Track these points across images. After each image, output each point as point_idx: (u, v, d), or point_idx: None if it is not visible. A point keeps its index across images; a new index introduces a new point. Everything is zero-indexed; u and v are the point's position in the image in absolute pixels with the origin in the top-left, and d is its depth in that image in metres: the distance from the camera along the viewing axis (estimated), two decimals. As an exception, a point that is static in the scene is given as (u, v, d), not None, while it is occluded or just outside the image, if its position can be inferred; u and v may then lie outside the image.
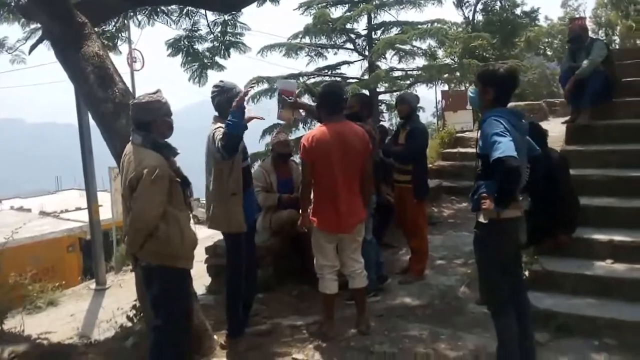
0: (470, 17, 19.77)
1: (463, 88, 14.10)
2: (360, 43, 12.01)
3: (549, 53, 23.75)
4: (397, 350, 3.82)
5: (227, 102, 3.79)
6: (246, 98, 3.64)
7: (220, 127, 3.65)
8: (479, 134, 3.21)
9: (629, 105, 5.68)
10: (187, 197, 3.31)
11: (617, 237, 4.38)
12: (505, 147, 2.91)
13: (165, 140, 3.25)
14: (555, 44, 24.70)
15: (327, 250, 3.98)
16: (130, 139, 3.24)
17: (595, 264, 4.30)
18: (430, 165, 8.18)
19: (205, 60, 6.88)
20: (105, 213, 11.50)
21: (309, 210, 3.99)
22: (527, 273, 4.66)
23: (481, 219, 3.17)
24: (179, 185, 3.22)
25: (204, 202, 4.13)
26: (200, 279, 5.11)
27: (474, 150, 11.02)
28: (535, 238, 4.43)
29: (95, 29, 4.59)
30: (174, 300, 3.22)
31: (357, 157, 3.89)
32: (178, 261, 3.19)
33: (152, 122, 3.16)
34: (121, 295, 7.60)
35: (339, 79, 11.80)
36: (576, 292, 4.12)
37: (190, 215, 3.40)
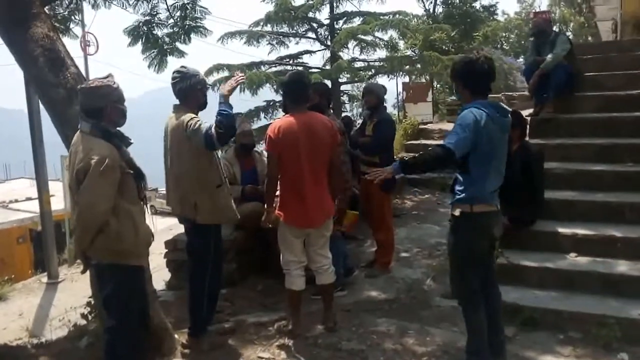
0: (431, 10, 19.93)
1: (423, 80, 14.24)
2: (323, 32, 11.88)
3: (505, 47, 24.26)
4: (365, 346, 3.74)
5: (190, 89, 3.66)
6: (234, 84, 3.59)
7: (193, 117, 3.52)
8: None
9: (590, 100, 5.77)
10: (141, 189, 3.10)
11: (580, 231, 4.42)
12: (457, 141, 2.95)
13: (117, 129, 3.02)
14: (512, 38, 25.28)
15: (294, 246, 3.86)
16: (79, 127, 3.01)
17: (559, 257, 4.34)
18: (394, 157, 8.16)
19: (165, 47, 6.60)
20: (58, 203, 11.03)
21: (274, 205, 3.85)
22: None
23: (455, 212, 3.14)
24: (131, 177, 3.00)
25: (163, 191, 3.96)
26: (158, 272, 4.91)
27: (437, 142, 11.23)
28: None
29: (46, 9, 4.29)
30: (127, 300, 3.02)
31: (325, 149, 3.77)
32: (131, 259, 2.98)
33: (102, 108, 2.93)
34: (75, 290, 7.28)
35: (300, 68, 11.65)
36: (541, 286, 4.14)
37: (145, 208, 3.21)
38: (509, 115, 3.23)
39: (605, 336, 3.58)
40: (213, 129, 3.39)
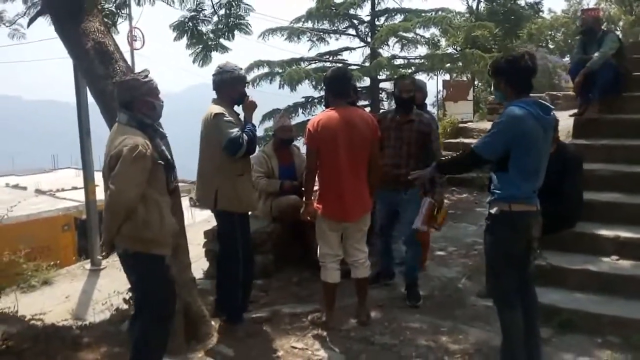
0: (474, 7, 19.62)
1: (465, 78, 14.04)
2: (363, 29, 11.85)
3: (551, 46, 23.68)
4: (397, 341, 3.76)
5: (223, 83, 3.85)
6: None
7: (224, 114, 3.70)
8: None
9: (637, 101, 5.59)
10: (171, 181, 3.16)
11: (623, 234, 4.32)
12: (484, 144, 3.07)
13: (153, 122, 3.10)
14: (558, 37, 24.64)
15: (331, 239, 3.90)
16: (117, 118, 3.12)
17: (601, 259, 4.24)
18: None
19: (210, 42, 6.74)
20: (102, 193, 11.32)
21: (313, 198, 3.90)
22: (529, 267, 4.64)
23: (492, 211, 3.09)
24: (162, 168, 3.06)
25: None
26: (197, 262, 5.03)
27: (476, 140, 11.00)
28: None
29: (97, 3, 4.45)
30: (151, 289, 3.08)
31: (364, 144, 3.80)
32: (155, 247, 3.01)
33: (131, 101, 3.03)
34: (116, 277, 7.47)
35: (340, 64, 11.66)
36: (581, 288, 4.06)
37: (174, 200, 3.26)
38: (552, 113, 3.13)
39: (646, 342, 3.51)
40: (244, 140, 3.64)
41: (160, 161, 3.04)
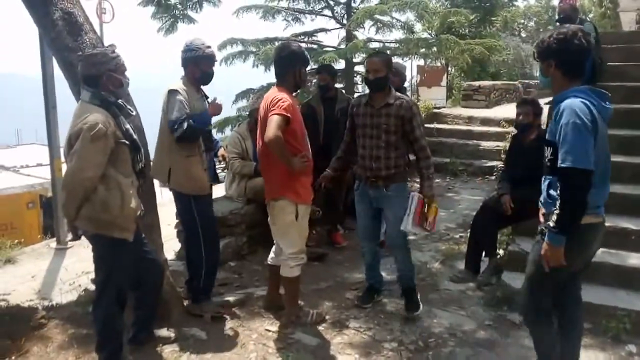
0: (451, -8, 19.60)
1: (439, 64, 14.08)
2: (339, 11, 11.73)
3: (523, 34, 23.93)
4: (372, 325, 3.77)
5: (188, 62, 3.70)
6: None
7: (177, 92, 3.57)
8: (554, 114, 2.54)
9: (612, 90, 5.56)
10: (137, 161, 3.03)
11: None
12: (580, 152, 2.38)
13: (117, 100, 2.96)
14: (530, 25, 24.92)
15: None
16: (80, 96, 2.96)
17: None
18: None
19: (177, 12, 6.58)
20: (67, 171, 11.04)
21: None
22: (501, 252, 4.69)
23: (551, 223, 2.50)
24: (126, 148, 2.93)
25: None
26: (168, 243, 4.92)
27: (450, 126, 11.06)
28: (515, 219, 4.45)
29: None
30: (111, 271, 2.99)
31: (262, 125, 3.52)
32: (114, 230, 2.89)
33: (97, 76, 2.89)
34: (83, 256, 7.30)
35: (315, 46, 11.53)
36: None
37: (142, 181, 3.13)
38: (609, 101, 2.62)
39: (615, 328, 3.58)
40: (184, 124, 3.49)
41: (124, 140, 2.91)
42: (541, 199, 2.72)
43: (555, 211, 2.46)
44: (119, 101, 2.99)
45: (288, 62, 3.61)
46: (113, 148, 2.84)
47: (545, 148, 2.62)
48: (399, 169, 3.76)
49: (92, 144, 2.75)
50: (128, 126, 2.97)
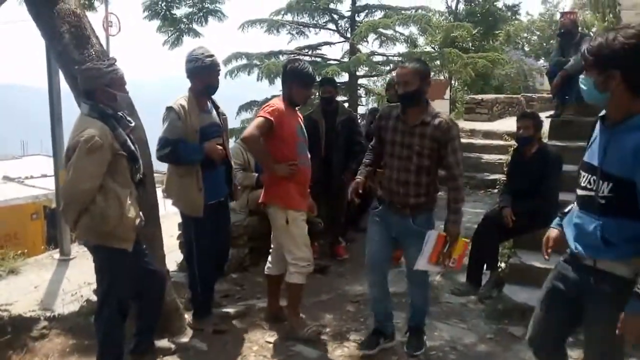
0: (453, 7, 19.77)
1: (442, 77, 14.15)
2: (343, 24, 11.81)
3: (526, 48, 24.03)
4: (373, 337, 3.75)
5: (190, 74, 3.67)
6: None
7: (172, 111, 3.53)
8: (633, 145, 1.95)
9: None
10: (135, 173, 3.05)
11: (595, 235, 4.36)
12: None
13: (115, 112, 2.99)
14: (534, 40, 25.03)
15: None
16: (80, 108, 3.02)
17: (573, 259, 4.28)
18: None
19: (182, 26, 6.67)
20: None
21: None
22: (502, 265, 4.69)
23: (624, 273, 2.04)
24: (124, 159, 2.96)
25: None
26: (171, 254, 4.94)
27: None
28: (516, 232, 4.46)
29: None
30: (112, 282, 3.02)
31: None
32: (114, 241, 2.92)
33: (93, 90, 2.94)
34: (86, 267, 7.34)
35: (319, 59, 11.62)
36: (553, 287, 4.09)
37: (141, 192, 3.16)
38: None
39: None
40: (167, 148, 3.47)
41: (122, 152, 2.94)
42: (585, 242, 2.13)
43: None
44: (119, 113, 3.03)
45: (286, 77, 3.74)
46: (111, 160, 2.87)
47: (600, 182, 2.06)
48: (429, 197, 3.31)
49: (88, 157, 2.79)
50: (126, 138, 3.01)
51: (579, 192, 2.19)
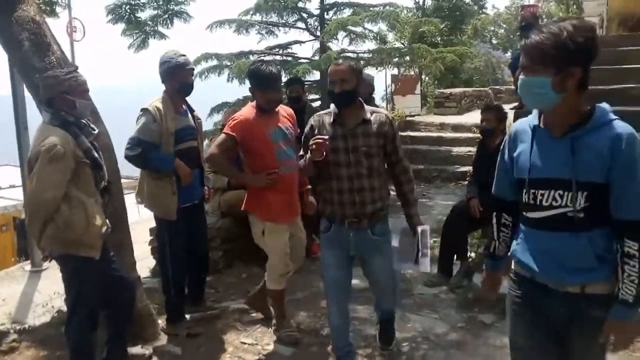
0: (421, 2, 19.98)
1: (412, 73, 14.29)
2: (312, 23, 11.83)
3: (494, 41, 24.43)
4: (347, 332, 3.79)
5: (165, 76, 3.67)
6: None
7: (144, 114, 3.54)
8: (611, 147, 1.77)
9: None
10: (99, 180, 3.03)
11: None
12: None
13: (77, 120, 2.96)
14: (501, 33, 25.44)
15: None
16: (42, 116, 2.99)
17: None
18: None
19: (147, 29, 6.61)
20: (42, 191, 10.88)
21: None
22: (472, 255, 4.79)
23: (609, 290, 1.83)
24: (88, 167, 2.93)
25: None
26: (143, 260, 4.92)
27: (423, 133, 11.14)
28: (484, 222, 4.55)
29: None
30: (78, 291, 3.01)
31: None
32: (80, 249, 2.90)
33: (51, 98, 2.91)
34: (58, 278, 7.23)
35: (289, 58, 11.62)
36: (521, 275, 4.17)
37: (107, 200, 3.14)
38: None
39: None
40: (137, 148, 3.47)
41: (85, 160, 2.92)
42: (571, 267, 1.85)
43: (631, 278, 1.76)
44: (82, 120, 3.00)
45: (249, 81, 3.64)
46: (74, 168, 2.85)
47: (577, 194, 1.80)
48: (383, 201, 3.05)
49: (50, 165, 2.76)
50: (89, 145, 2.97)
51: (539, 214, 1.88)
